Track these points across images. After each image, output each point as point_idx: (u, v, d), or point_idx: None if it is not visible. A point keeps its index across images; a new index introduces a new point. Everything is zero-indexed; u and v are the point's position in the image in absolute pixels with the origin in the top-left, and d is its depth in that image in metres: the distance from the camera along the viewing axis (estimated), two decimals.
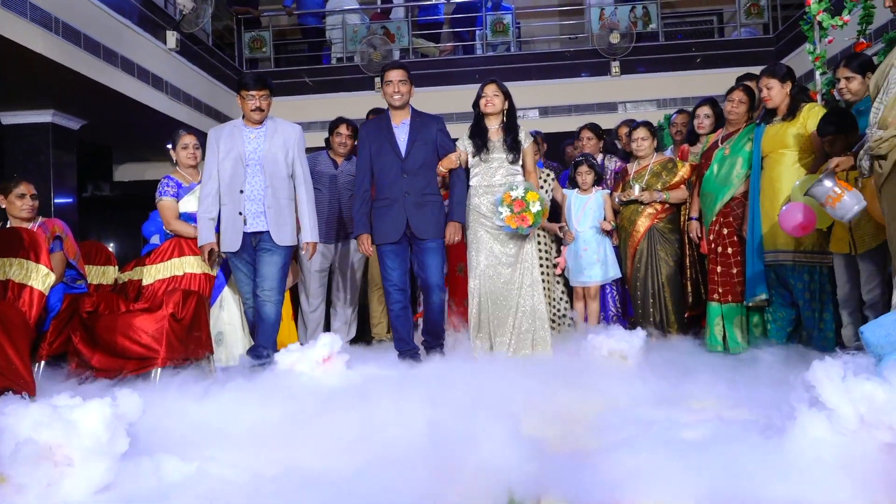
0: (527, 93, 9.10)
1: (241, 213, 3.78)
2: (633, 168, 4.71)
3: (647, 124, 4.72)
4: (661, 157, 4.68)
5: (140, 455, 1.98)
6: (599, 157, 5.24)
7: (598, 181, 4.88)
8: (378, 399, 2.59)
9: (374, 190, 4.05)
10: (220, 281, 4.12)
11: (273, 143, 3.85)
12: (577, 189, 4.88)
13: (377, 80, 8.96)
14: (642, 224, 4.54)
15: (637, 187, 4.53)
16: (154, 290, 3.92)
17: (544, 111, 9.09)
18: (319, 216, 4.62)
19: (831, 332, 3.69)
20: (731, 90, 4.29)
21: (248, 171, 3.81)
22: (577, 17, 10.09)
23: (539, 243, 4.77)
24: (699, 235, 4.37)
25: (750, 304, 3.97)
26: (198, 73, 7.98)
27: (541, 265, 4.54)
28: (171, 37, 7.21)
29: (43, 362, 3.48)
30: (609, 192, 4.90)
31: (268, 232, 3.79)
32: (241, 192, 3.79)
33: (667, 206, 4.56)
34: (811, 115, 3.78)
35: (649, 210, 4.54)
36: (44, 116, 6.73)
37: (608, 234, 4.81)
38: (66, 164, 7.02)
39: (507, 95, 4.11)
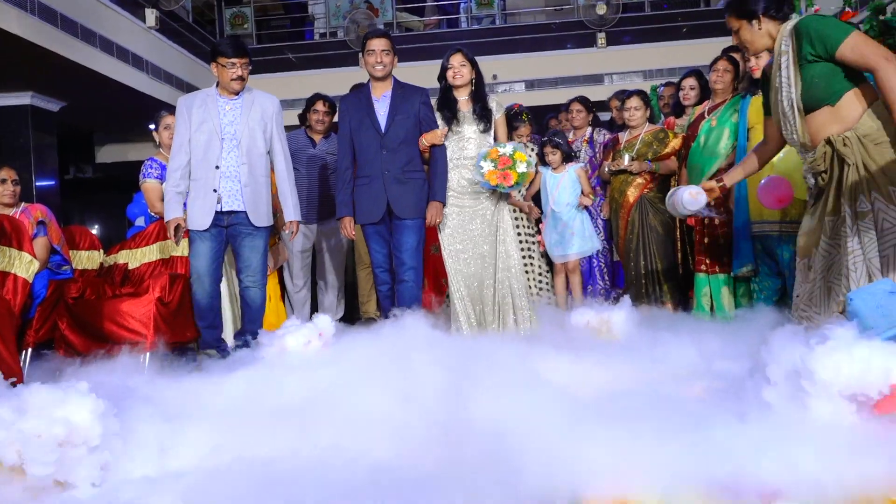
0: (513, 66, 9.06)
1: (215, 191, 3.55)
2: (624, 137, 4.66)
3: (640, 93, 4.68)
4: (652, 127, 4.64)
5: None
6: (588, 130, 5.20)
7: (568, 158, 4.83)
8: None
9: (356, 167, 3.89)
10: None
11: (251, 117, 3.63)
12: (549, 167, 4.86)
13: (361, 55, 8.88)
14: (632, 194, 4.52)
15: (627, 157, 4.49)
16: (140, 273, 3.89)
17: (531, 84, 9.04)
18: (299, 196, 4.64)
19: None
20: (715, 60, 4.27)
21: (224, 146, 3.57)
22: None
23: (517, 220, 4.74)
24: None
25: (737, 275, 3.99)
26: (178, 50, 7.87)
27: (520, 241, 4.48)
28: (151, 14, 7.10)
29: (30, 350, 3.45)
30: (583, 165, 4.88)
31: (244, 213, 3.60)
32: (217, 167, 3.56)
33: (657, 176, 4.53)
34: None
35: (639, 180, 4.51)
36: (22, 98, 6.64)
37: (586, 208, 4.80)
38: (46, 147, 6.93)
39: (473, 64, 3.93)
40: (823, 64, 2.48)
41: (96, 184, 9.83)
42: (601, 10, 8.76)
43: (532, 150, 4.90)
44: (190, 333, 3.71)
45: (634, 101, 4.59)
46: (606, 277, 4.95)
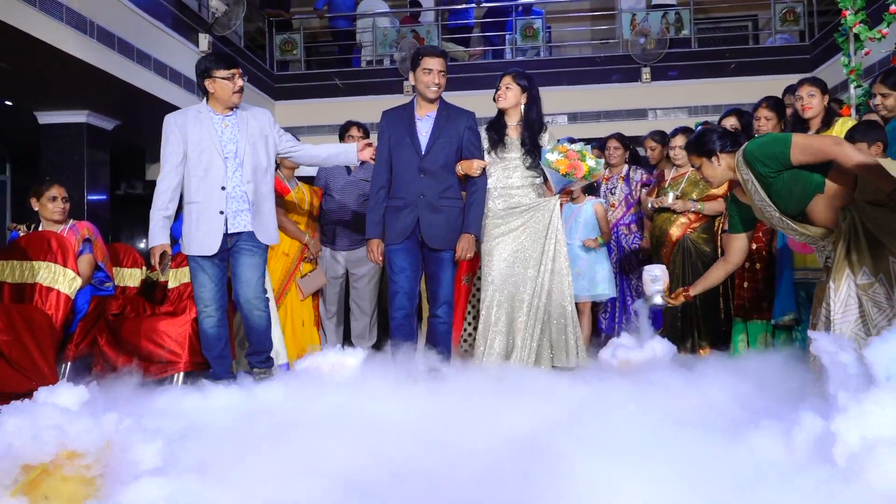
0: (556, 98, 9.06)
1: (222, 213, 3.34)
2: (670, 174, 4.60)
3: (686, 130, 4.58)
4: None
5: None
6: (625, 168, 5.15)
7: (590, 190, 4.64)
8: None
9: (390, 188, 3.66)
10: None
11: (249, 132, 3.43)
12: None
13: (406, 83, 9.01)
14: (674, 233, 4.43)
15: (671, 195, 4.41)
16: (179, 292, 3.97)
17: (573, 117, 9.03)
18: (332, 223, 4.60)
19: None
20: (756, 107, 4.20)
21: (228, 165, 3.37)
22: (609, 23, 10.02)
23: None
24: None
25: (778, 324, 3.89)
26: None
27: None
28: (204, 39, 7.30)
29: (69, 363, 3.53)
30: (602, 202, 4.72)
31: (248, 232, 3.40)
32: (223, 188, 3.35)
33: (701, 215, 4.42)
34: (844, 130, 3.69)
35: (682, 219, 4.42)
36: (78, 117, 6.87)
37: (605, 246, 4.60)
38: (99, 163, 7.16)
39: (525, 88, 3.67)
40: (788, 172, 2.57)
41: (145, 200, 10.07)
42: (650, 44, 8.72)
43: None
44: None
45: (680, 139, 4.50)
46: (637, 314, 4.84)
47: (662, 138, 5.18)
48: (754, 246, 4.05)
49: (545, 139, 3.76)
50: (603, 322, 4.89)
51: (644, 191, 4.90)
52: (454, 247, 3.56)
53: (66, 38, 5.24)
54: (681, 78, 8.89)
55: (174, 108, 6.95)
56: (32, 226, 3.90)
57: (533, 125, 3.70)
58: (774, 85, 8.84)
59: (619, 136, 5.19)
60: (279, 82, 9.30)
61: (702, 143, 2.82)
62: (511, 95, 3.68)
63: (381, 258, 3.59)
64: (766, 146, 2.61)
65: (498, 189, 3.73)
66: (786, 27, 9.08)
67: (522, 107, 3.71)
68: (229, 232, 3.38)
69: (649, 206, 4.58)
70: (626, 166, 5.16)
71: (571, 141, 5.33)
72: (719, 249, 4.39)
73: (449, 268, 3.56)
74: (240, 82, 3.41)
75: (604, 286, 4.50)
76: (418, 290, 3.65)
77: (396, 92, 8.88)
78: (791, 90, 5.01)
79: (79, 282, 3.10)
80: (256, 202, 3.42)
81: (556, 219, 3.74)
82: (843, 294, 2.53)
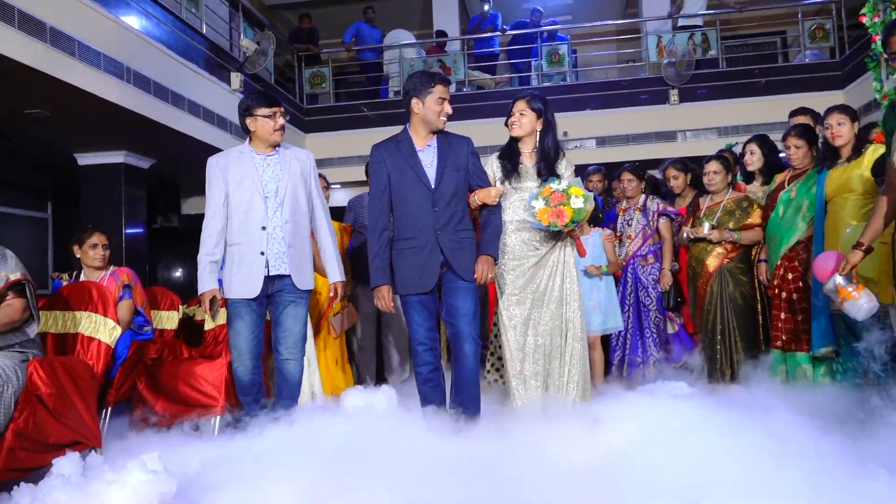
0: (584, 123, 9.07)
1: (262, 253, 3.26)
2: (705, 203, 4.50)
3: (720, 158, 4.51)
4: (735, 193, 4.47)
5: None
6: (642, 198, 4.96)
7: (595, 221, 4.52)
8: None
9: (396, 228, 3.37)
10: None
11: (291, 172, 3.36)
12: None
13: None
14: (711, 263, 4.35)
15: (707, 225, 4.33)
16: (215, 334, 4.04)
17: (602, 141, 9.01)
18: (362, 261, 4.55)
19: None
20: (785, 135, 4.14)
21: (269, 205, 3.30)
22: (635, 46, 10.01)
23: None
24: (768, 279, 4.23)
25: (817, 356, 3.81)
26: None
27: None
28: (236, 78, 7.48)
29: (110, 408, 3.61)
30: (609, 233, 4.63)
31: (289, 276, 3.31)
32: (264, 228, 3.28)
33: (738, 245, 4.34)
34: (877, 156, 3.64)
35: (719, 249, 4.34)
36: (116, 157, 7.08)
37: (611, 276, 4.55)
38: (137, 200, 7.36)
39: (541, 112, 3.47)
40: None
41: (181, 233, 10.33)
42: (681, 66, 8.66)
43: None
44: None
45: (714, 166, 4.44)
46: (656, 347, 4.74)
47: (685, 167, 5.12)
48: (790, 276, 4.00)
49: (563, 166, 3.52)
50: (614, 355, 4.79)
51: (661, 220, 4.80)
52: (473, 277, 3.29)
53: (104, 84, 5.41)
54: (709, 98, 8.83)
55: (208, 145, 7.11)
56: (75, 273, 4.03)
57: (549, 152, 3.48)
58: (806, 103, 8.62)
59: (632, 168, 5.03)
60: (309, 115, 9.46)
61: None
62: (526, 122, 3.47)
63: (392, 305, 3.30)
64: None
65: (514, 223, 3.48)
66: (815, 44, 8.97)
67: (538, 133, 3.50)
68: (270, 274, 3.29)
69: (685, 236, 4.51)
70: (642, 196, 5.01)
71: (592, 173, 5.28)
72: (755, 279, 4.34)
73: (472, 297, 3.27)
74: (281, 120, 3.35)
75: (614, 320, 4.49)
76: (440, 334, 3.40)
77: None
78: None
79: (119, 331, 3.18)
80: (296, 244, 3.33)
81: (569, 256, 3.53)
82: None
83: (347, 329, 4.59)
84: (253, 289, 3.25)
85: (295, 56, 9.61)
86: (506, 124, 3.56)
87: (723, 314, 4.31)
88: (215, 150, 7.16)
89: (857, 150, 3.74)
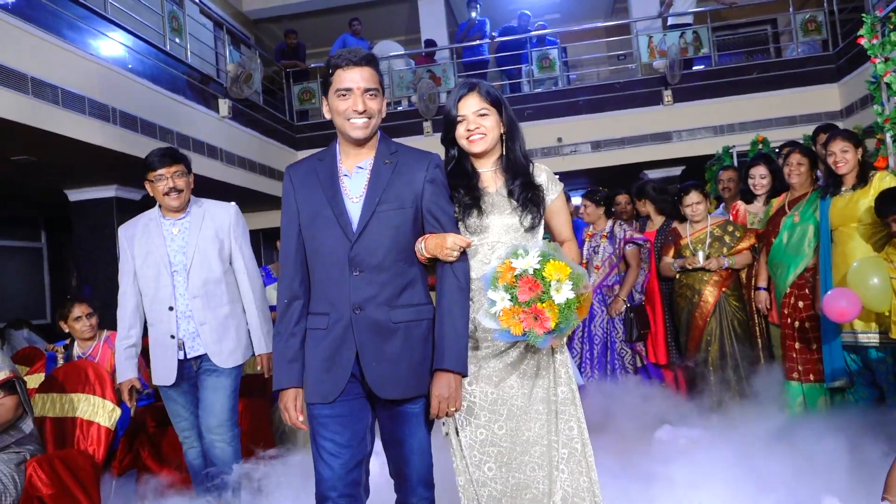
0: (578, 127, 8.99)
1: (173, 337, 2.89)
2: (687, 231, 4.47)
3: (697, 187, 4.46)
4: (716, 219, 4.46)
5: None
6: (608, 224, 4.83)
7: None
8: None
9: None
10: None
11: (201, 236, 2.92)
12: None
13: (426, 124, 8.99)
14: (710, 293, 4.29)
15: (701, 254, 4.29)
16: None
17: (596, 145, 8.94)
18: None
19: None
20: (787, 154, 4.08)
21: (176, 280, 2.90)
22: (625, 46, 9.90)
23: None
24: (768, 307, 4.17)
25: (830, 387, 3.76)
26: (250, 133, 8.14)
27: None
28: (224, 105, 7.37)
29: (115, 481, 3.55)
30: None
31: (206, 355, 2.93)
32: (171, 308, 2.89)
33: (730, 272, 4.32)
34: (883, 186, 3.56)
35: (715, 278, 4.29)
36: (107, 192, 6.98)
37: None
38: None
39: (502, 112, 2.22)
40: None
41: None
42: (678, 70, 8.54)
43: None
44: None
45: (694, 196, 4.41)
46: (635, 360, 4.72)
47: (639, 193, 5.14)
48: (801, 304, 3.93)
49: (543, 178, 2.23)
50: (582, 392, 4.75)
51: (628, 248, 4.70)
52: (425, 392, 2.04)
53: (90, 129, 5.31)
54: (703, 97, 8.74)
55: (199, 176, 6.96)
56: (68, 341, 3.95)
57: (520, 162, 2.22)
58: (801, 98, 8.68)
59: (588, 195, 4.86)
60: (300, 132, 9.36)
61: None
62: (492, 126, 2.19)
63: (301, 418, 2.05)
64: None
65: (473, 281, 2.13)
66: (808, 37, 8.87)
67: (503, 139, 2.25)
68: (188, 357, 2.92)
69: (674, 267, 4.44)
70: (609, 222, 4.85)
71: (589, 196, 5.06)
72: (748, 305, 4.33)
73: (420, 428, 2.07)
74: (171, 182, 2.88)
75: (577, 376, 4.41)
76: (367, 469, 2.10)
77: (417, 133, 8.88)
78: (820, 131, 4.90)
79: (118, 412, 3.11)
80: (209, 320, 2.90)
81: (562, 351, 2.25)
82: None
83: None
84: (167, 376, 2.91)
85: (283, 73, 9.49)
86: (449, 138, 2.25)
87: (727, 346, 4.26)
88: (207, 181, 7.21)
89: (863, 178, 3.66)
